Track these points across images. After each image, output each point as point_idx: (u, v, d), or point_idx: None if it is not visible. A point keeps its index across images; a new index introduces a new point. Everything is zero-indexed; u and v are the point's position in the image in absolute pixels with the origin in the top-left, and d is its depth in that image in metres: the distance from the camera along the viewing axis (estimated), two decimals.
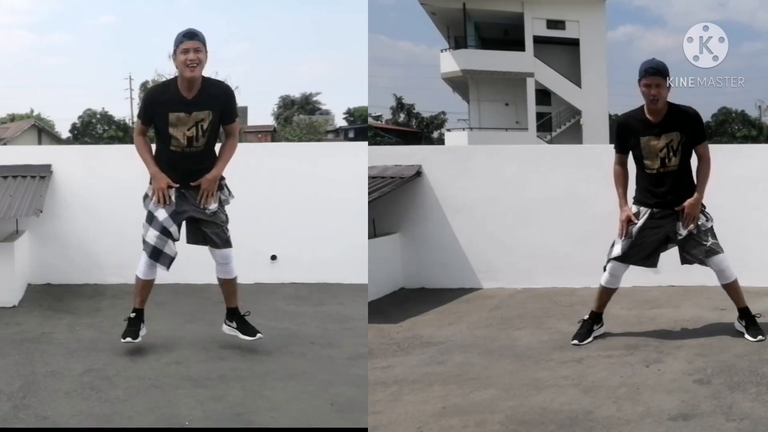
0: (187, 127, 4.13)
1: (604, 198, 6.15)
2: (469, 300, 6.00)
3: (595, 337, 4.55)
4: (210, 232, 4.28)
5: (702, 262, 4.42)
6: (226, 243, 4.30)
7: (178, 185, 4.23)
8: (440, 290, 6.33)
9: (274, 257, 6.58)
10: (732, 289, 4.45)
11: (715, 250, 4.35)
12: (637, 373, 3.88)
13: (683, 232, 4.36)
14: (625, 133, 4.48)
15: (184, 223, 4.31)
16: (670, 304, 5.46)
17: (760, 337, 4.30)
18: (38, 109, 39.80)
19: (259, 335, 4.34)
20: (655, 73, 4.26)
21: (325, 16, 71.86)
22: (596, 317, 4.61)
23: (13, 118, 35.41)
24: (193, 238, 4.39)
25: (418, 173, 6.52)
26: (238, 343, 4.54)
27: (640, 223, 4.42)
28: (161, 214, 4.22)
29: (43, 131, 32.32)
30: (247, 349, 4.41)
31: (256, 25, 68.21)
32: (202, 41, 4.09)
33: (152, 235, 4.24)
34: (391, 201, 6.40)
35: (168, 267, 4.30)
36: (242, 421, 3.37)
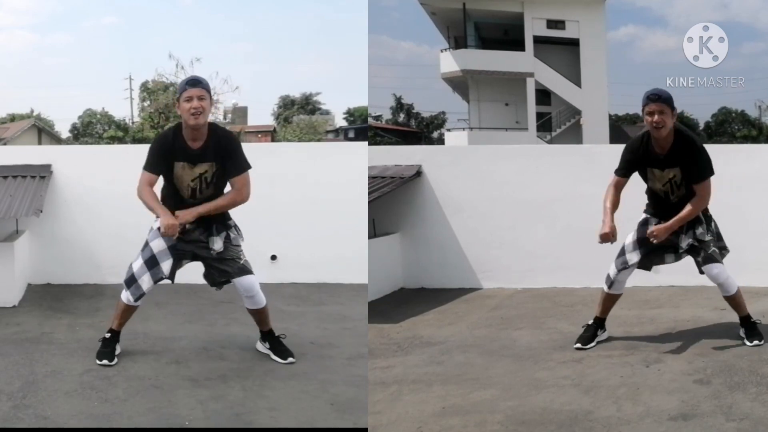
0: (191, 179, 4.06)
1: None
2: (468, 300, 6.00)
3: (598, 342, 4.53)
4: (221, 266, 4.16)
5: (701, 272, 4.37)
6: (241, 271, 4.13)
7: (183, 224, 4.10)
8: (440, 290, 6.33)
9: (274, 257, 6.58)
10: (733, 300, 4.40)
11: (714, 257, 4.27)
12: (637, 373, 3.89)
13: (684, 245, 4.30)
14: (632, 158, 4.36)
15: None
16: (670, 304, 5.46)
17: (756, 342, 4.29)
18: (38, 109, 39.77)
19: (291, 359, 4.19)
20: (657, 100, 4.12)
21: (325, 16, 71.81)
22: (600, 322, 4.58)
23: (13, 118, 35.37)
24: (210, 280, 4.26)
25: (418, 173, 6.52)
26: (238, 343, 4.54)
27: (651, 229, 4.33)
28: (157, 245, 4.09)
29: (43, 131, 32.29)
30: (247, 349, 4.41)
31: (257, 26, 68.10)
32: (206, 88, 4.02)
33: (137, 263, 4.12)
34: (391, 201, 6.40)
35: (135, 300, 4.12)
36: (242, 421, 3.37)
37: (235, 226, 4.25)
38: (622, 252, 4.46)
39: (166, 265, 4.09)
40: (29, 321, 5.13)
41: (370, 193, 5.95)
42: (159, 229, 4.04)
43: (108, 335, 4.24)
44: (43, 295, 5.97)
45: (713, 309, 5.17)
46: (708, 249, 4.30)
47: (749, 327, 4.40)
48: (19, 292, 5.87)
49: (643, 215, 4.49)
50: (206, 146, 4.04)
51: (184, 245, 4.13)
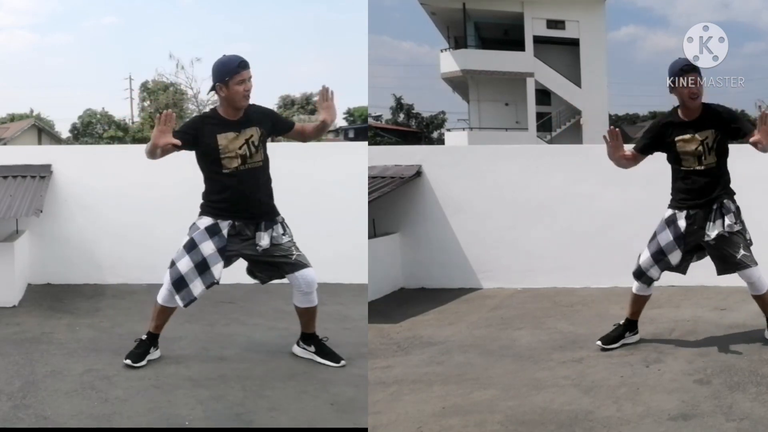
0: (238, 146, 3.96)
1: (604, 198, 6.19)
2: (469, 300, 6.00)
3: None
4: (271, 265, 4.10)
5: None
6: (294, 267, 4.05)
7: (231, 220, 4.00)
8: (440, 290, 6.33)
9: None
10: (762, 300, 4.31)
11: (746, 263, 4.19)
12: (637, 373, 3.89)
13: (712, 234, 4.19)
14: (655, 132, 4.34)
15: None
16: (670, 304, 5.45)
17: None
18: (38, 109, 39.76)
19: (343, 362, 4.09)
20: (691, 69, 4.17)
21: (325, 16, 71.73)
22: (631, 324, 4.46)
23: (13, 118, 35.37)
24: (257, 276, 4.21)
25: (418, 173, 6.52)
26: (238, 343, 4.54)
27: (682, 229, 4.25)
28: (207, 248, 3.93)
29: (43, 131, 32.31)
30: (247, 349, 4.41)
31: (257, 25, 67.97)
32: None
33: (185, 264, 3.92)
34: (391, 201, 6.40)
35: (185, 305, 3.96)
36: (242, 421, 3.37)
37: (283, 222, 4.19)
38: (662, 254, 4.27)
39: (217, 270, 3.95)
40: (29, 321, 5.13)
41: (370, 193, 5.95)
42: (205, 228, 3.95)
43: (144, 337, 4.16)
44: (43, 295, 5.97)
45: (713, 309, 5.17)
46: (737, 254, 4.19)
47: None
48: (19, 292, 5.86)
49: (669, 211, 4.34)
50: (245, 115, 4.02)
51: (234, 245, 4.02)
